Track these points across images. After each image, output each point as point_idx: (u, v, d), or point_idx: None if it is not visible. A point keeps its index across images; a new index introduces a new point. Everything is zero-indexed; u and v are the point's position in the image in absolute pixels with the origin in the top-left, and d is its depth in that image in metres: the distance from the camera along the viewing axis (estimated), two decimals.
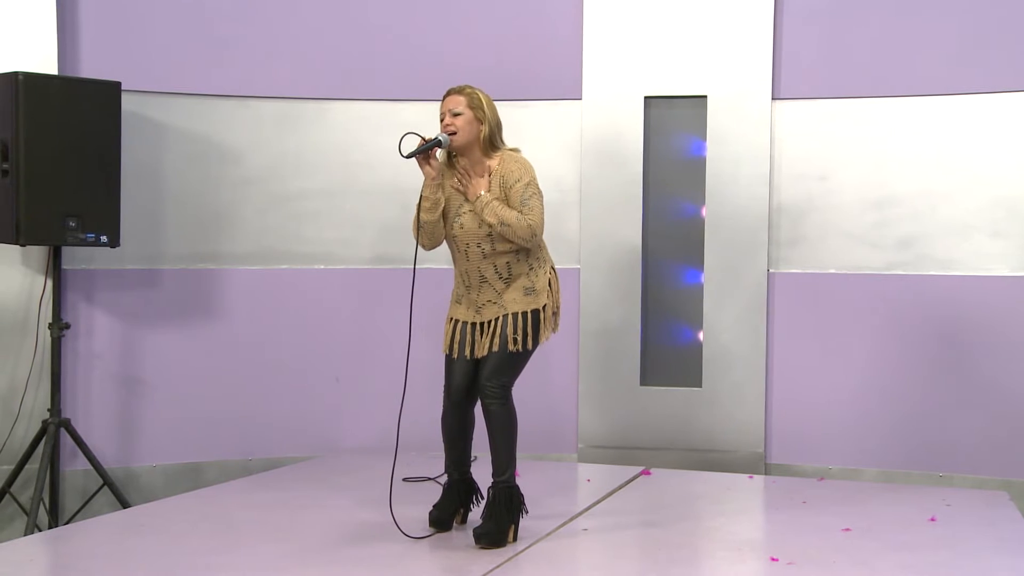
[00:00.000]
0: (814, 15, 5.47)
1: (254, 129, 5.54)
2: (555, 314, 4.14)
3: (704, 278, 5.59)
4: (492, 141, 4.05)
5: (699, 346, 5.60)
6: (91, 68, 5.15)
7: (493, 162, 4.05)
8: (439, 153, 4.10)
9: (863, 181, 5.46)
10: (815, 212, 5.51)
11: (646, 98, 5.60)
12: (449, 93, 4.06)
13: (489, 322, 4.05)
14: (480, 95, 4.04)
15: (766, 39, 5.48)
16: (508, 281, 4.04)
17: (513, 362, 4.04)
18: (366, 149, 5.64)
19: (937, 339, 5.35)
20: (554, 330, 4.16)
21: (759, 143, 5.51)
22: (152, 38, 5.32)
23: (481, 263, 4.03)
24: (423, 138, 3.98)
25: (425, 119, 5.58)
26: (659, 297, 5.68)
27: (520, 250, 4.03)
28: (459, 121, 4.00)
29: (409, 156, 3.96)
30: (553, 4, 5.65)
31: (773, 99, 5.50)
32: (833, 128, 5.49)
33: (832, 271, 5.50)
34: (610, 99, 5.61)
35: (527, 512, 4.11)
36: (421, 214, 4.02)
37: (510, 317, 4.01)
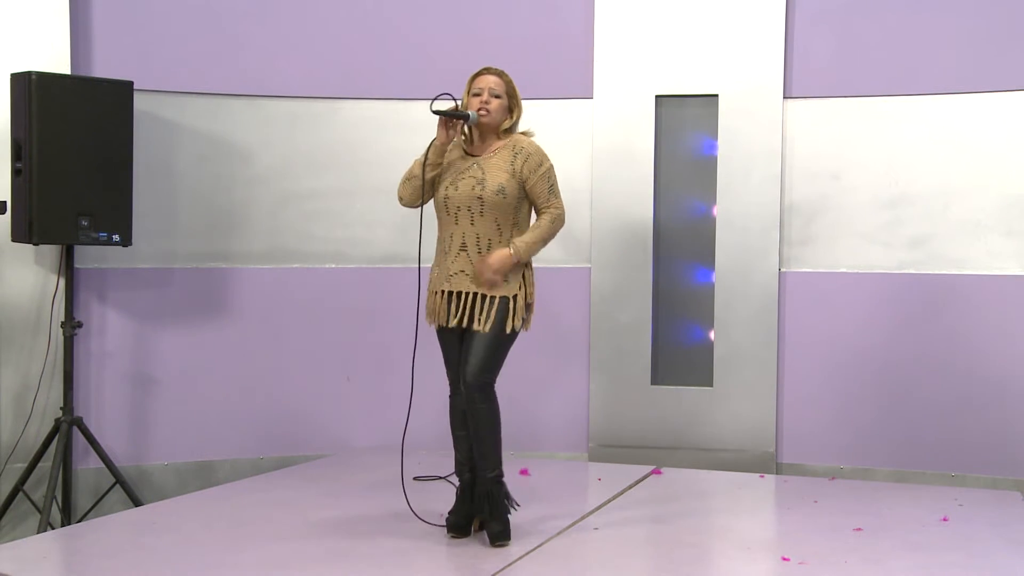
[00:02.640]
0: (826, 13, 5.46)
1: (265, 128, 5.55)
2: (528, 307, 4.08)
3: (715, 277, 5.58)
4: (510, 129, 4.13)
5: (710, 345, 5.60)
6: (103, 68, 5.17)
7: (503, 142, 4.11)
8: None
9: (875, 180, 5.45)
10: (827, 211, 5.50)
11: (657, 97, 5.60)
12: (489, 71, 4.11)
13: (458, 293, 4.03)
14: (514, 84, 4.14)
15: (778, 37, 5.47)
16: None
17: (491, 356, 4.00)
18: (376, 148, 5.65)
19: (949, 338, 5.33)
20: (526, 328, 4.10)
21: (770, 142, 5.50)
22: (164, 38, 5.34)
23: (467, 229, 4.04)
24: (457, 105, 4.05)
25: (433, 119, 5.61)
26: (670, 296, 5.67)
27: (502, 228, 4.02)
28: (495, 104, 4.07)
29: (436, 113, 4.03)
30: (564, 3, 5.65)
31: (785, 98, 5.49)
32: (845, 127, 5.48)
33: (844, 270, 5.49)
34: (621, 98, 5.61)
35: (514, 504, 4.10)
36: (415, 168, 4.10)
37: (478, 298, 4.00)
